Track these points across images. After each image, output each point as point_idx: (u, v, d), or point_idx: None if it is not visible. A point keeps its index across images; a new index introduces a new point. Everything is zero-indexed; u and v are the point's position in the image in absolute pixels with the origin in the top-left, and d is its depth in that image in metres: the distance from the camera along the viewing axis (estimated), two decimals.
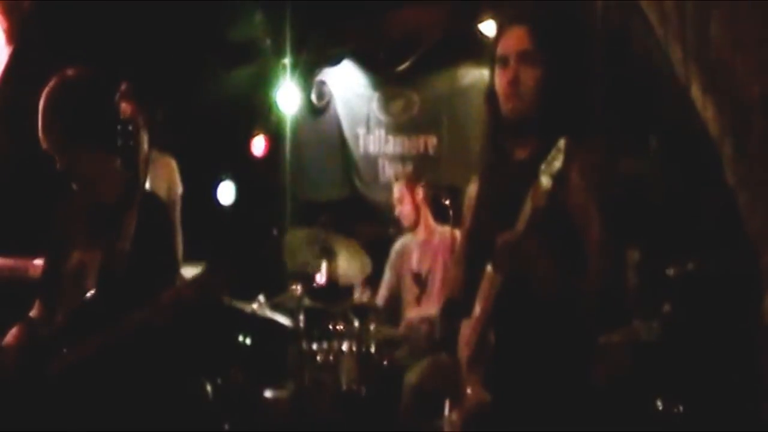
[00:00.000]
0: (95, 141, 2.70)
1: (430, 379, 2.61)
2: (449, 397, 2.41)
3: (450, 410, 2.44)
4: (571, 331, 2.26)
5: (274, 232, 4.36)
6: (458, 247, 2.73)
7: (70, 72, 2.73)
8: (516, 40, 2.35)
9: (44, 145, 2.70)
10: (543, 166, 2.09)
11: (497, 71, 2.37)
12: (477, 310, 2.31)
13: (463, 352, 2.37)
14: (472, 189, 2.57)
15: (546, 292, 2.23)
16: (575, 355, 2.29)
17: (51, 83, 2.71)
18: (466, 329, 2.37)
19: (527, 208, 2.12)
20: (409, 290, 5.15)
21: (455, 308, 2.50)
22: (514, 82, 2.32)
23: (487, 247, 2.29)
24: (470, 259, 2.47)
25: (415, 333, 4.92)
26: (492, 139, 2.45)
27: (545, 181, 2.08)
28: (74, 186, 2.79)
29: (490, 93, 2.40)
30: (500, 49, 2.38)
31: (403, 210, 5.19)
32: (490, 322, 2.27)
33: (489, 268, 2.27)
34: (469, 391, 2.30)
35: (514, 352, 2.28)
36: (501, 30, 2.43)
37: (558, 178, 2.06)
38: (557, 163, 2.07)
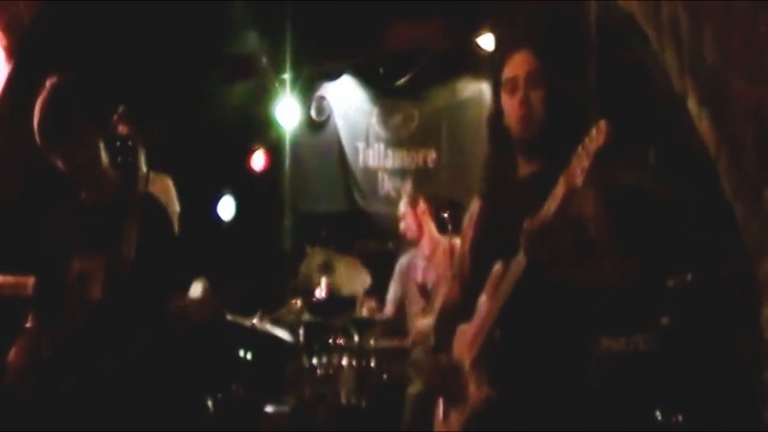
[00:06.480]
0: (89, 132, 2.71)
1: (434, 383, 2.60)
2: (451, 400, 2.41)
3: (447, 413, 2.44)
4: (578, 327, 2.27)
5: None
6: (457, 262, 2.74)
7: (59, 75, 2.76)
8: (523, 63, 2.40)
9: (39, 142, 2.69)
10: (580, 147, 2.05)
11: (504, 95, 2.42)
12: (483, 309, 2.32)
13: (464, 353, 2.37)
14: (474, 206, 2.60)
15: (571, 278, 2.21)
16: (579, 354, 2.30)
17: (44, 87, 2.73)
18: (468, 330, 2.38)
19: (559, 190, 2.10)
20: (415, 302, 5.16)
21: (451, 319, 2.52)
22: (525, 104, 2.36)
23: (490, 263, 2.31)
24: (473, 274, 2.47)
25: (425, 339, 4.92)
26: (499, 159, 2.50)
27: (584, 160, 2.04)
28: (71, 185, 2.78)
29: (496, 115, 2.45)
30: (507, 72, 2.42)
31: (406, 223, 5.23)
32: (498, 320, 2.27)
33: (498, 266, 2.28)
34: (472, 389, 2.30)
35: (520, 348, 2.28)
36: (504, 55, 2.47)
37: (599, 155, 2.02)
38: (597, 142, 2.03)
